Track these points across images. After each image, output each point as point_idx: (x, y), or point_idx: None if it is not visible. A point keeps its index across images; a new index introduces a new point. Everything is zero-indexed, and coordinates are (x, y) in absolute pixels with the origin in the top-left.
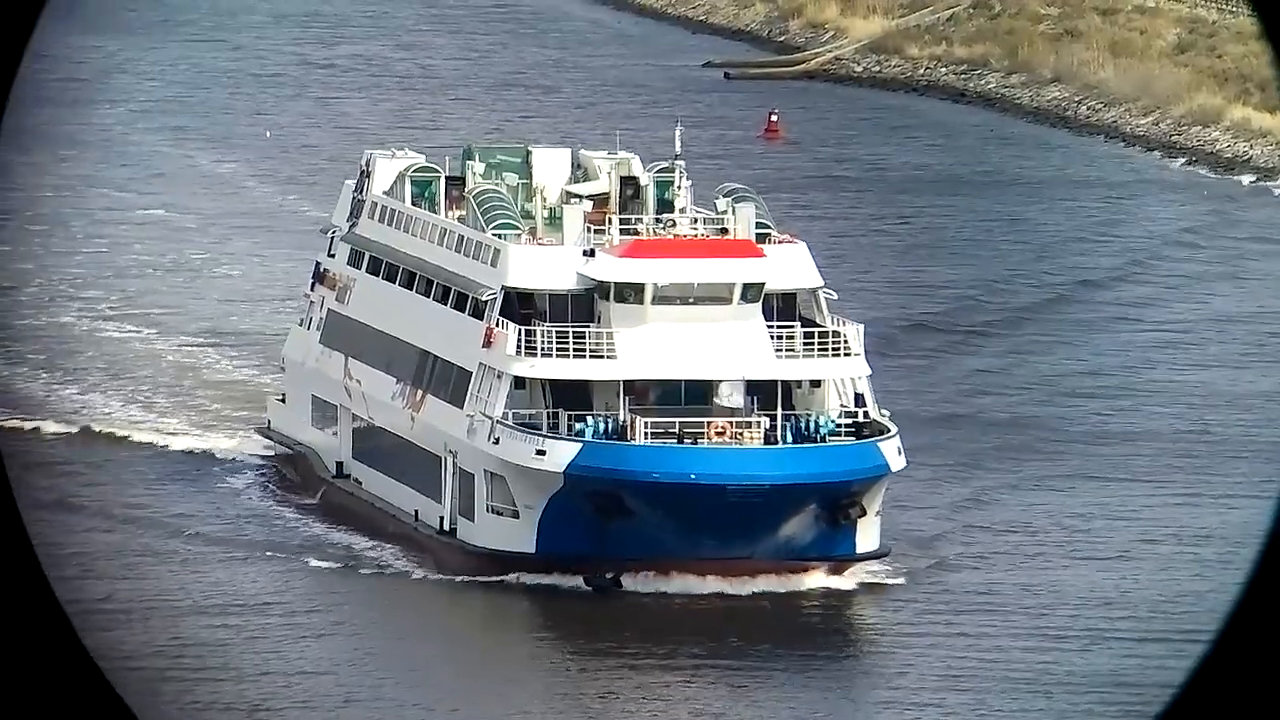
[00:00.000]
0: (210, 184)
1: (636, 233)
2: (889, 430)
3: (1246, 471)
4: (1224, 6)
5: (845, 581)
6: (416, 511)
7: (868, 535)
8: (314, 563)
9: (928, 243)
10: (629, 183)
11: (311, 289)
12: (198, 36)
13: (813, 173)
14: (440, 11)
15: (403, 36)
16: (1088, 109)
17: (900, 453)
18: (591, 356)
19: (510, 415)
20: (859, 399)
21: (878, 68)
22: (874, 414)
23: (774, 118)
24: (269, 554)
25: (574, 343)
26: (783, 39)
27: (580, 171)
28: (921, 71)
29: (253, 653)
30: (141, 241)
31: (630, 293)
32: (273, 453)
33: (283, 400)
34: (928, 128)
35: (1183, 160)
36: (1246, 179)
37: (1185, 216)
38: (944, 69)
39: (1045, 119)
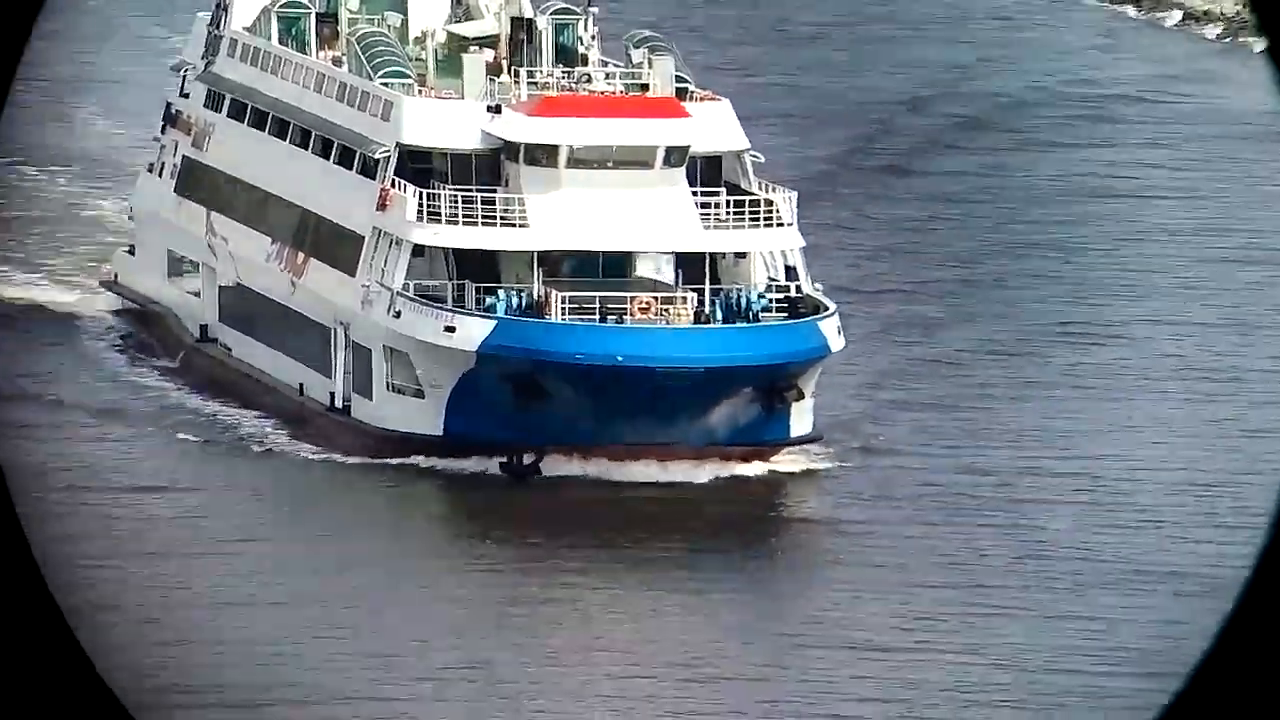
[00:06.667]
0: None
1: (545, 86)
2: (826, 307)
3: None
4: None
5: (777, 467)
6: (301, 385)
7: (801, 419)
8: (186, 436)
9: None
10: (519, 25)
11: (162, 131)
12: None
13: None
14: None
15: None
16: None
17: (840, 332)
18: (502, 224)
19: (411, 286)
20: (790, 272)
21: None
22: (807, 288)
23: None
24: (137, 425)
25: (482, 209)
26: None
27: (461, 9)
28: None
29: (122, 536)
30: None
31: (542, 155)
32: (120, 309)
33: (131, 252)
34: None
35: None
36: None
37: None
38: None
39: None
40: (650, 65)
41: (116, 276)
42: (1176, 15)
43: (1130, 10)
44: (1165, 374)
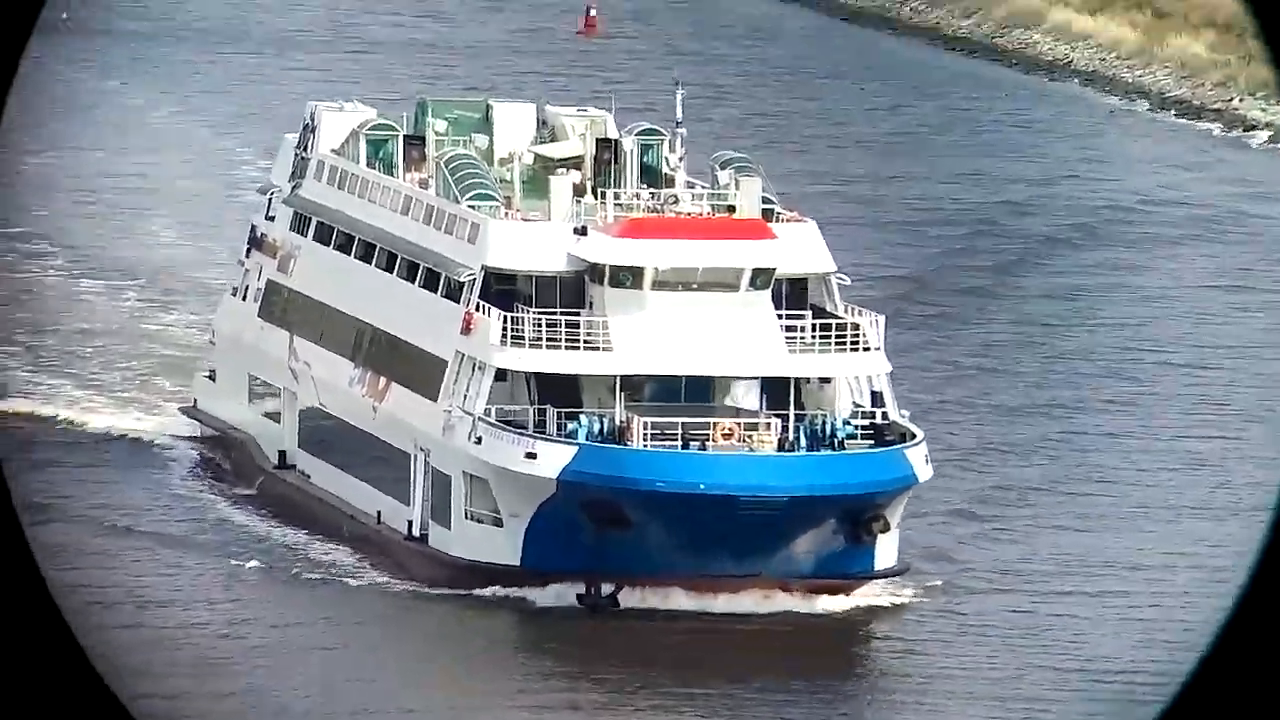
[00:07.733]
0: None
1: (631, 207)
2: (912, 434)
3: None
4: None
5: (862, 601)
6: (379, 513)
7: (886, 550)
8: (260, 565)
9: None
10: (605, 145)
11: (247, 255)
12: None
13: (620, 65)
14: None
15: None
16: (910, 10)
17: (928, 461)
18: (585, 348)
19: (492, 411)
20: (876, 397)
21: None
22: (893, 414)
23: (592, 12)
24: (207, 554)
25: (566, 332)
26: None
27: (546, 130)
28: None
29: (191, 663)
30: None
31: (627, 277)
32: (199, 435)
33: (211, 377)
34: (744, 24)
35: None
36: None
37: None
38: None
39: (869, 22)
40: (737, 186)
41: (196, 402)
42: (1263, 135)
43: (1215, 129)
44: (1221, 502)
